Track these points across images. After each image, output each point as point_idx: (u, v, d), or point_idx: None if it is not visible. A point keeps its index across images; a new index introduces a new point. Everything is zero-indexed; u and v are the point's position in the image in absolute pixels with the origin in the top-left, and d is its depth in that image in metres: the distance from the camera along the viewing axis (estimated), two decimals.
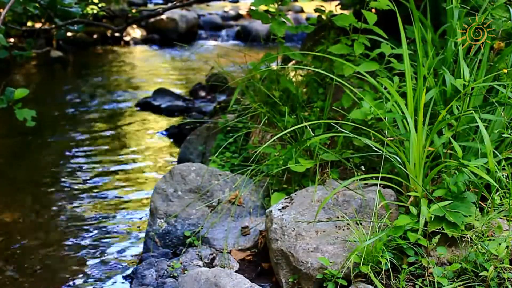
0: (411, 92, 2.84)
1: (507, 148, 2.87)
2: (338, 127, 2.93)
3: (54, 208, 4.18)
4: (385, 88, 3.04)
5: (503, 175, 2.63)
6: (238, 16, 11.82)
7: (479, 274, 2.39)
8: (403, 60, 2.93)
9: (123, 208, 4.19)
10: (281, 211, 2.87)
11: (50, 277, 3.33)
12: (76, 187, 4.53)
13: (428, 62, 3.10)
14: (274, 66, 4.00)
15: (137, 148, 5.38)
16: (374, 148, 2.81)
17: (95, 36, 9.79)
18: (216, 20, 11.19)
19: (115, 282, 3.26)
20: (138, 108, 6.55)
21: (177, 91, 7.03)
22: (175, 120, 6.10)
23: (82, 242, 3.72)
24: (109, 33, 9.76)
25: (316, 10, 4.45)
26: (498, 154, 2.71)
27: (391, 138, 2.84)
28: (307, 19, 6.20)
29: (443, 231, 2.52)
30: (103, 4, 9.49)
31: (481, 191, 2.70)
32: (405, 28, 3.04)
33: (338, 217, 2.78)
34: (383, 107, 3.01)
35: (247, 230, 3.20)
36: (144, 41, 10.18)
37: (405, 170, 2.73)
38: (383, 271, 2.46)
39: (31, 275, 3.34)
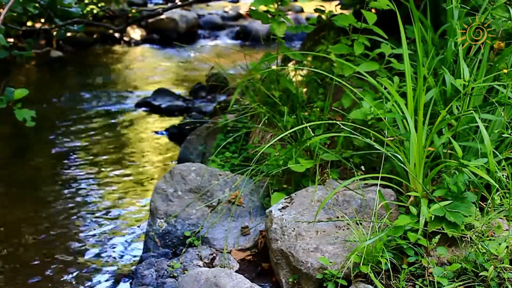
0: (411, 92, 2.84)
1: (507, 148, 2.87)
2: (340, 124, 2.93)
3: (54, 208, 4.18)
4: (385, 88, 3.04)
5: (503, 175, 2.63)
6: (238, 16, 11.80)
7: (479, 274, 2.39)
8: (403, 60, 2.93)
9: (123, 208, 4.19)
10: (281, 211, 2.87)
11: (50, 277, 3.33)
12: (75, 187, 4.53)
13: (428, 62, 3.10)
14: (274, 66, 4.00)
15: (137, 148, 5.38)
16: (374, 148, 2.81)
17: (95, 36, 9.79)
18: (216, 20, 11.18)
19: (115, 282, 3.26)
20: (138, 108, 6.55)
21: (177, 91, 7.03)
22: (175, 120, 6.10)
23: (82, 242, 3.72)
24: (109, 33, 9.75)
25: (316, 10, 4.45)
26: (498, 154, 2.71)
27: (391, 138, 2.84)
28: (307, 19, 6.20)
29: (443, 231, 2.52)
30: (103, 4, 9.49)
31: (481, 191, 2.70)
32: (405, 28, 3.04)
33: (338, 217, 2.78)
34: (383, 107, 3.01)
35: (247, 230, 3.20)
36: (144, 41, 10.17)
37: (405, 170, 2.73)
38: (383, 271, 2.46)
39: (31, 275, 3.34)
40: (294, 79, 4.10)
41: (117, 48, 9.72)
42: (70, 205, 4.23)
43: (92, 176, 4.74)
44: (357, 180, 2.83)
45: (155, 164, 5.01)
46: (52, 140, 5.54)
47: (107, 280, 3.28)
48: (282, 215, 2.83)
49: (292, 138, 3.44)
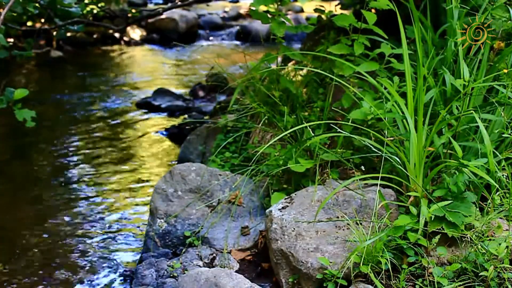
0: (411, 92, 2.84)
1: (507, 148, 2.87)
2: (337, 128, 2.93)
3: (54, 208, 4.18)
4: (385, 88, 3.04)
5: (503, 175, 2.63)
6: (238, 16, 11.80)
7: (479, 274, 2.39)
8: (403, 60, 2.93)
9: (123, 208, 4.19)
10: (281, 211, 2.87)
11: (49, 276, 3.33)
12: (75, 187, 4.53)
13: (428, 62, 3.10)
14: (274, 66, 4.00)
15: (137, 148, 5.38)
16: (374, 148, 2.81)
17: (95, 36, 9.79)
18: (216, 20, 11.18)
19: (115, 282, 3.26)
20: (138, 108, 6.55)
21: (177, 91, 7.03)
22: (175, 120, 6.10)
23: (82, 242, 3.72)
24: (109, 33, 9.75)
25: (316, 10, 4.45)
26: (498, 154, 2.71)
27: (391, 138, 2.84)
28: (307, 19, 6.20)
29: (443, 231, 2.52)
30: (103, 4, 9.49)
31: (481, 191, 2.70)
32: (405, 28, 3.04)
33: (338, 217, 2.78)
34: (383, 107, 3.01)
35: (247, 230, 3.20)
36: (144, 41, 10.17)
37: (405, 170, 2.73)
38: (383, 271, 2.46)
39: (31, 275, 3.34)
40: (294, 79, 4.10)
41: (117, 48, 9.72)
42: (70, 204, 4.23)
43: (92, 176, 4.74)
44: (357, 180, 2.83)
45: (155, 164, 5.01)
46: (52, 140, 5.54)
47: (107, 280, 3.28)
48: (282, 215, 2.83)
49: (292, 138, 3.44)
